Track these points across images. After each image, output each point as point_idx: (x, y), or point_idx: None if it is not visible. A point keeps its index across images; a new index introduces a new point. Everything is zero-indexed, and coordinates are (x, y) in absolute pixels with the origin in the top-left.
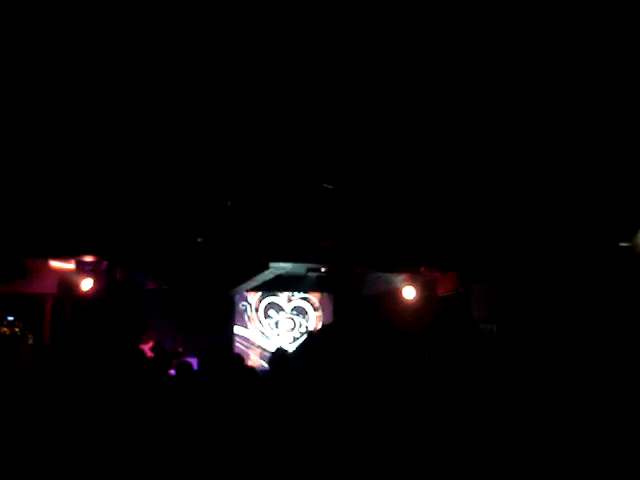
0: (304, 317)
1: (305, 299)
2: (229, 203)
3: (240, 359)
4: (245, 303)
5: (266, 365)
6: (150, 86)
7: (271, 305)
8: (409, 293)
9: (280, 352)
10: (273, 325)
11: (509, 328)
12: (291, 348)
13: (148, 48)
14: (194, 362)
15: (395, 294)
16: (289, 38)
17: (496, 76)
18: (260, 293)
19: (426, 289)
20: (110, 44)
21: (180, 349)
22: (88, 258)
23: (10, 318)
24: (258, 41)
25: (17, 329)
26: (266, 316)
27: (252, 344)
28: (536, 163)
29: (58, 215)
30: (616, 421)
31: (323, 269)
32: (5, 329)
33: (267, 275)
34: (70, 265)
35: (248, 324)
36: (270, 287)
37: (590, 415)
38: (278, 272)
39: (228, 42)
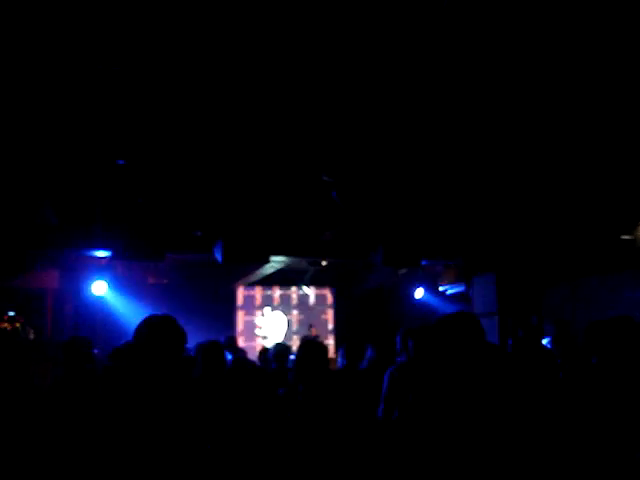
0: (303, 311)
1: (305, 293)
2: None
3: (243, 353)
4: (245, 297)
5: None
6: (150, 85)
7: (271, 299)
8: (419, 293)
9: (281, 347)
10: (273, 319)
11: (512, 319)
12: (290, 342)
13: (149, 47)
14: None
15: (396, 287)
16: (288, 34)
17: (497, 70)
18: (261, 287)
19: (428, 282)
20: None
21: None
22: (90, 252)
23: (11, 313)
24: (258, 36)
25: (18, 324)
26: (266, 310)
27: (253, 338)
28: (539, 157)
29: (61, 210)
30: (616, 414)
31: (324, 262)
32: (6, 324)
33: (268, 269)
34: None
35: (249, 318)
36: (271, 281)
37: (590, 409)
38: (279, 266)
39: (227, 39)
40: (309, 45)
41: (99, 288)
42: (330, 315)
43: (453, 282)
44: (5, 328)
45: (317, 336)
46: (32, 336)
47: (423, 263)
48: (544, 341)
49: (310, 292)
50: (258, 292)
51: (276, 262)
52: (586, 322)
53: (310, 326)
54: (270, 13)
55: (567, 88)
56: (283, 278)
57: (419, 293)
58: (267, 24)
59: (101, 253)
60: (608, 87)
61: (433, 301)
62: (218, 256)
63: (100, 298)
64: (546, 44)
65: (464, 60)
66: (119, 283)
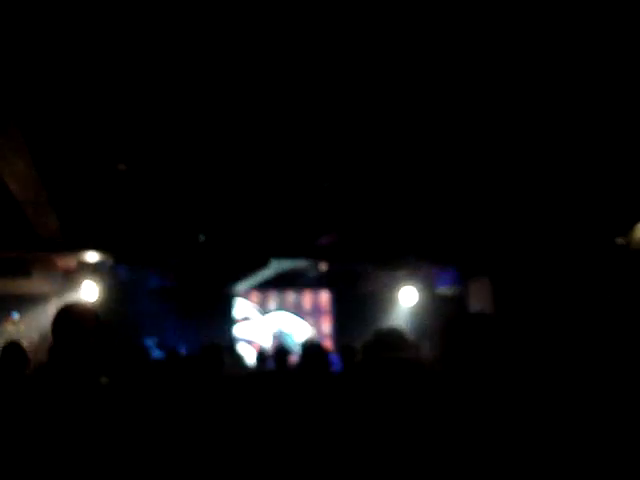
0: (303, 313)
1: (305, 295)
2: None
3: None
4: (246, 299)
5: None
6: (153, 85)
7: (270, 301)
8: (410, 295)
9: (282, 349)
10: (273, 321)
11: (509, 324)
12: (291, 345)
13: (149, 48)
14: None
15: (395, 290)
16: (288, 38)
17: (495, 73)
18: (261, 289)
19: (424, 285)
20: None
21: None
22: (91, 256)
23: (15, 316)
24: (258, 40)
25: (22, 327)
26: (266, 312)
27: (253, 340)
28: (534, 160)
29: (63, 213)
30: (616, 418)
31: (323, 266)
32: (10, 327)
33: (268, 272)
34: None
35: (249, 320)
36: (270, 284)
37: (590, 413)
38: (279, 269)
39: (228, 42)
40: (309, 49)
41: (89, 292)
42: (328, 317)
43: (450, 285)
44: (9, 331)
45: (316, 338)
46: (35, 339)
47: (420, 266)
48: None
49: (309, 294)
50: (257, 294)
51: (276, 265)
52: (582, 325)
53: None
54: (269, 18)
55: (563, 94)
56: (283, 281)
57: (411, 297)
58: (265, 29)
59: (103, 257)
60: (602, 91)
61: (430, 304)
62: (219, 259)
63: (100, 302)
64: (544, 43)
65: (460, 60)
66: (121, 287)
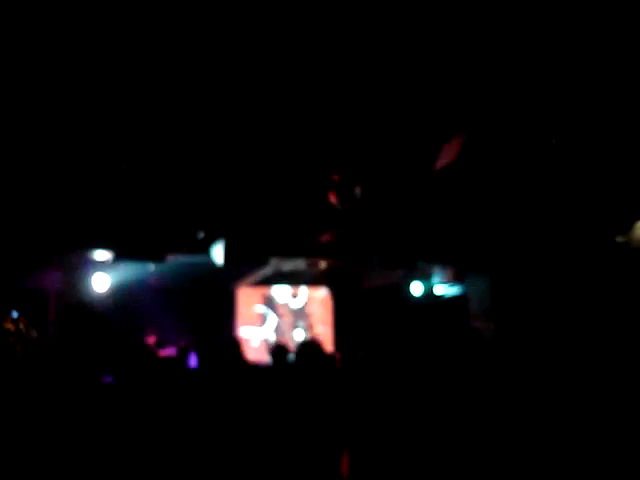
0: (303, 312)
1: (304, 294)
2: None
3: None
4: (245, 298)
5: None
6: (152, 84)
7: (270, 300)
8: (416, 289)
9: (279, 347)
10: (272, 320)
11: (508, 324)
12: (289, 342)
13: (149, 48)
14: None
15: (394, 288)
16: (289, 36)
17: (494, 70)
18: (260, 288)
19: (424, 284)
20: (111, 43)
21: (182, 344)
22: (92, 254)
23: (14, 314)
24: (258, 39)
25: (21, 325)
26: (266, 311)
27: (252, 338)
28: (534, 158)
29: (62, 211)
30: (615, 417)
31: (323, 264)
32: (9, 325)
33: (267, 270)
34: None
35: (248, 319)
36: (270, 282)
37: (589, 412)
38: (278, 267)
39: (228, 40)
40: (310, 46)
41: (100, 283)
42: (329, 315)
43: (449, 283)
44: (9, 329)
45: (315, 336)
46: (35, 336)
47: (419, 265)
48: None
49: (309, 292)
50: (257, 293)
51: (275, 263)
52: (581, 323)
53: (309, 326)
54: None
55: (562, 92)
56: (282, 279)
57: (416, 289)
58: (266, 27)
59: (102, 254)
60: (602, 88)
61: (429, 303)
62: (216, 258)
63: (101, 299)
64: (545, 45)
65: (461, 63)
66: (120, 283)
